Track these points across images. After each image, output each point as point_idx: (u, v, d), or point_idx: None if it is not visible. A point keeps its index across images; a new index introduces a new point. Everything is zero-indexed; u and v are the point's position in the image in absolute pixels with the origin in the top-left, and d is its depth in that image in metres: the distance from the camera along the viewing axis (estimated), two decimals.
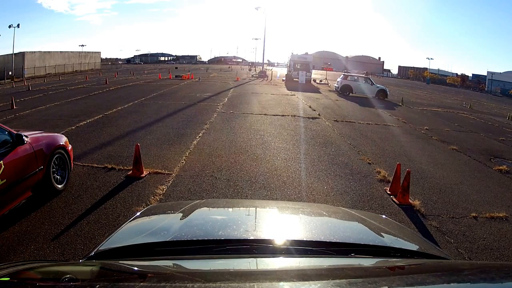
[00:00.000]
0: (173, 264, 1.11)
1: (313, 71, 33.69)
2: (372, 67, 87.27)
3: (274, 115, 11.66)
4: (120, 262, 1.09)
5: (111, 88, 19.07)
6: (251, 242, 1.24)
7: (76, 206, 4.19)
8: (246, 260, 1.16)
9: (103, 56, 76.82)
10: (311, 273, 1.03)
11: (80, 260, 1.24)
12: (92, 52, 62.76)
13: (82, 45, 75.69)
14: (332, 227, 1.65)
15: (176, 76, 30.64)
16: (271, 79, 32.42)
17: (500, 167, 7.15)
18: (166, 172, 5.50)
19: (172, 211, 1.79)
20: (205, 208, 1.85)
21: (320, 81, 31.98)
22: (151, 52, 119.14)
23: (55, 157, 4.43)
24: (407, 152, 7.98)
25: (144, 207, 3.13)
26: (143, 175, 5.27)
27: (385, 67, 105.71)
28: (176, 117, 10.49)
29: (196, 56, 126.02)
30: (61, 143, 4.65)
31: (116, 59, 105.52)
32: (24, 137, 3.85)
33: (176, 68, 54.54)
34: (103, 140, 7.37)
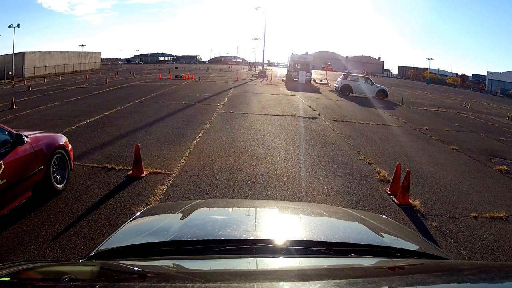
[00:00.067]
0: (173, 264, 1.11)
1: (313, 71, 33.69)
2: (372, 67, 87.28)
3: (274, 115, 11.66)
4: (120, 262, 1.09)
5: (111, 88, 19.07)
6: (251, 242, 1.24)
7: (76, 206, 4.19)
8: (246, 260, 1.16)
9: (103, 56, 76.96)
10: (311, 273, 1.03)
11: (80, 260, 1.24)
12: (92, 52, 62.78)
13: (82, 45, 75.83)
14: (332, 227, 1.64)
15: (176, 76, 30.64)
16: (271, 79, 32.41)
17: (500, 167, 7.15)
18: (166, 172, 5.50)
19: (172, 211, 1.79)
20: (205, 208, 1.85)
21: (320, 81, 31.98)
22: (151, 52, 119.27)
23: (55, 157, 4.43)
24: (407, 152, 7.98)
25: (144, 207, 3.13)
26: (143, 175, 5.27)
27: (385, 67, 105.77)
28: (176, 117, 10.49)
29: (196, 56, 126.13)
30: (61, 143, 4.66)
31: (116, 59, 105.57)
32: (24, 137, 3.85)
33: (176, 68, 54.54)
34: (103, 140, 7.37)
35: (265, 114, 11.63)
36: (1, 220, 3.57)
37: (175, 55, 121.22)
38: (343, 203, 4.69)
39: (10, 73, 36.28)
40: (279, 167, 6.10)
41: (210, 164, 6.04)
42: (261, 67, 45.97)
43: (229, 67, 70.54)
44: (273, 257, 1.16)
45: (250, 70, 50.54)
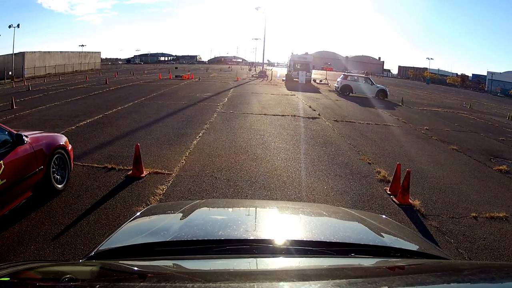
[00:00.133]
0: (173, 264, 1.11)
1: (313, 71, 33.70)
2: (372, 67, 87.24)
3: (274, 115, 11.66)
4: (120, 262, 1.09)
5: (111, 88, 19.07)
6: (251, 242, 1.24)
7: (76, 206, 4.19)
8: (246, 260, 1.16)
9: (103, 56, 76.99)
10: (311, 273, 1.03)
11: (80, 260, 1.24)
12: (92, 52, 62.80)
13: (82, 45, 75.81)
14: (332, 227, 1.64)
15: (176, 76, 30.64)
16: (271, 79, 32.41)
17: (500, 167, 7.15)
18: (166, 172, 5.50)
19: (172, 211, 1.79)
20: (205, 208, 1.85)
21: (320, 81, 31.98)
22: (151, 52, 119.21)
23: (55, 157, 4.43)
24: (407, 152, 7.98)
25: (144, 207, 3.13)
26: (143, 175, 5.27)
27: (385, 67, 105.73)
28: (176, 117, 10.49)
29: (196, 56, 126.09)
30: (61, 143, 4.66)
31: (116, 59, 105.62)
32: (24, 137, 3.85)
33: (176, 68, 54.53)
34: (103, 140, 7.37)
35: (265, 114, 11.63)
36: (1, 220, 3.57)
37: (175, 55, 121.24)
38: (343, 203, 4.69)
39: (10, 73, 36.30)
40: (279, 167, 6.10)
41: (210, 164, 6.04)
42: (261, 67, 45.97)
43: (229, 67, 70.52)
44: (273, 257, 1.16)
45: (250, 70, 50.52)
